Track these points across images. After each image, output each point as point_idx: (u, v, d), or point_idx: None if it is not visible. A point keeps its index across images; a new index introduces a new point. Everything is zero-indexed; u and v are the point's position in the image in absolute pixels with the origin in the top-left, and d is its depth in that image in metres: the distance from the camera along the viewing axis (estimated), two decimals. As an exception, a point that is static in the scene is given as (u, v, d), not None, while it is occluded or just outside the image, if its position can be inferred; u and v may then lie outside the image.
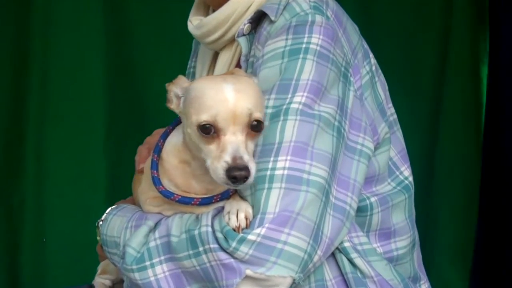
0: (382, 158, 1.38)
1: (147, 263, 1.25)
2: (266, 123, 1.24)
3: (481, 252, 2.92)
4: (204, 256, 1.20)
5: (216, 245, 1.19)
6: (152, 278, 1.24)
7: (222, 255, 1.18)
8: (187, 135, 1.23)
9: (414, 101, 2.82)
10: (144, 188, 1.39)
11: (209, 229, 1.20)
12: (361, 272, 1.33)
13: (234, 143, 1.15)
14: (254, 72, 1.30)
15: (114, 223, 1.39)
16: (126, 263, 1.27)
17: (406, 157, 1.47)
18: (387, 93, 1.44)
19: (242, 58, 1.37)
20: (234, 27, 1.41)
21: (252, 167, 1.14)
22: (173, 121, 1.37)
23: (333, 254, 1.31)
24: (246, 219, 1.19)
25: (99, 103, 2.70)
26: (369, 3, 2.88)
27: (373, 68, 1.39)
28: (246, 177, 1.13)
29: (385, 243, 1.40)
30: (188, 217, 1.27)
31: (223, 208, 1.24)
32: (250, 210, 1.21)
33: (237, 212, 1.20)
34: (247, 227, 1.19)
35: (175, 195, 1.27)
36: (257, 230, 1.17)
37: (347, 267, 1.32)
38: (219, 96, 1.15)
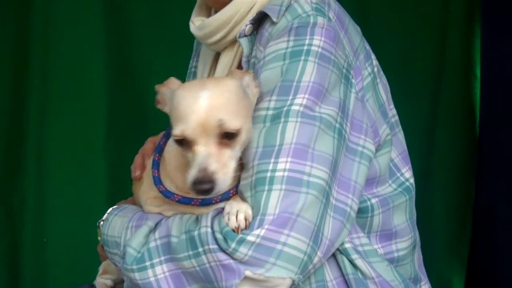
0: (383, 159, 1.38)
1: (147, 263, 1.25)
2: (261, 125, 1.24)
3: (476, 253, 2.95)
4: (203, 257, 1.20)
5: (215, 246, 1.19)
6: (152, 279, 1.24)
7: (222, 256, 1.18)
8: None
9: (411, 102, 2.82)
10: (145, 188, 1.39)
11: (209, 230, 1.20)
12: (362, 273, 1.33)
13: (202, 155, 1.16)
14: (255, 73, 1.30)
15: (115, 223, 1.39)
16: (126, 263, 1.27)
17: (407, 159, 1.47)
18: (389, 94, 1.44)
19: (244, 59, 1.37)
20: (236, 28, 1.41)
21: (220, 178, 1.15)
22: None
23: (334, 255, 1.32)
24: (246, 220, 1.20)
25: (99, 103, 2.69)
26: (366, 3, 2.88)
27: (375, 69, 1.39)
28: (210, 190, 1.14)
29: (386, 244, 1.41)
30: (188, 217, 1.27)
31: (223, 209, 1.25)
32: (249, 211, 1.21)
33: (237, 213, 1.20)
34: (246, 228, 1.19)
35: (175, 195, 1.27)
36: (257, 231, 1.17)
37: (348, 268, 1.32)
38: (192, 107, 1.17)
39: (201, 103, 1.16)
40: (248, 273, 1.17)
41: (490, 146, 2.89)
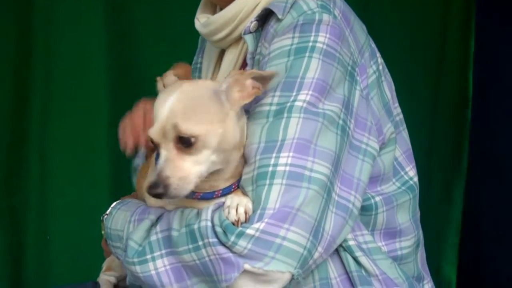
0: (387, 158, 1.38)
1: (148, 256, 1.26)
2: (264, 120, 1.24)
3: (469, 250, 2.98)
4: (203, 250, 1.20)
5: (215, 239, 1.19)
6: (153, 272, 1.25)
7: (221, 249, 1.18)
8: None
9: (412, 101, 2.83)
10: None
11: (209, 223, 1.20)
12: (366, 270, 1.33)
13: (161, 158, 1.18)
14: (260, 69, 1.30)
15: (118, 217, 1.40)
16: (127, 256, 1.28)
17: (412, 157, 1.47)
18: (394, 93, 1.44)
19: (248, 56, 1.37)
20: (241, 25, 1.41)
21: (174, 183, 1.16)
22: None
23: (337, 252, 1.32)
24: (246, 213, 1.20)
25: (101, 103, 2.70)
26: (366, 2, 2.89)
27: (380, 67, 1.38)
28: (162, 194, 1.16)
29: (390, 242, 1.40)
30: (189, 211, 1.27)
31: (224, 203, 1.25)
32: (250, 205, 1.21)
33: (237, 207, 1.21)
34: (246, 221, 1.19)
35: None
36: (256, 225, 1.17)
37: (352, 265, 1.32)
38: (159, 110, 1.19)
39: (165, 107, 1.19)
40: (247, 266, 1.17)
41: (479, 146, 2.92)
